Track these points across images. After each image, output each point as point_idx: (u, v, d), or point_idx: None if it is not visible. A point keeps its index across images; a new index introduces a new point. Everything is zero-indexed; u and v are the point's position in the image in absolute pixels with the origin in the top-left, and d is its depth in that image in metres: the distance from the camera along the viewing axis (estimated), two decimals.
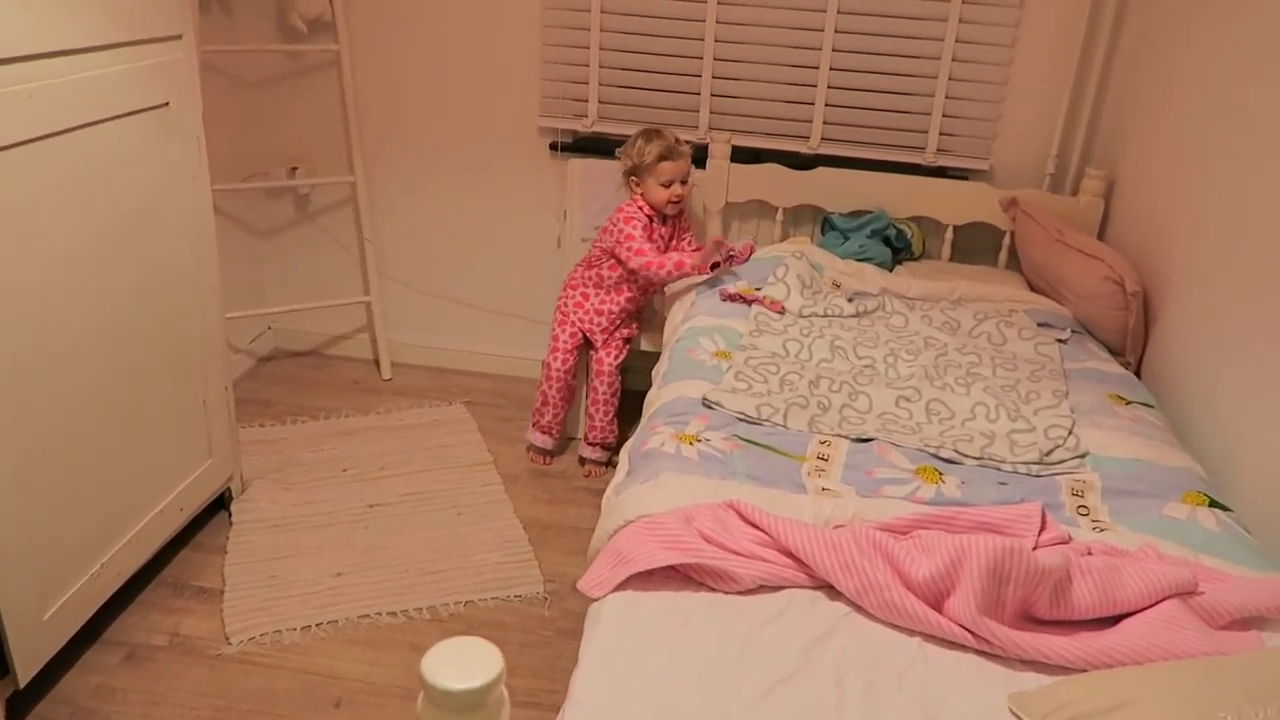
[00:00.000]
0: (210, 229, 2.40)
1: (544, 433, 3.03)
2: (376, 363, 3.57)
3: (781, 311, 2.54)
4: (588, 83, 3.14)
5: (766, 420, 1.98)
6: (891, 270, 2.88)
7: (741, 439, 1.90)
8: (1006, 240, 3.00)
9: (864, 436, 1.94)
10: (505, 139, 3.26)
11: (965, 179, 3.03)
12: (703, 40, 3.03)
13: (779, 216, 3.09)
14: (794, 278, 2.63)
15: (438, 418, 3.26)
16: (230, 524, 2.63)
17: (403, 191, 3.39)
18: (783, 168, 3.01)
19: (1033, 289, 2.80)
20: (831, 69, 3.00)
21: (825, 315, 2.56)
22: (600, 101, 3.15)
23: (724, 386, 2.09)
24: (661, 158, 2.75)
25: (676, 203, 2.81)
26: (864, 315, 2.58)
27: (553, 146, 3.22)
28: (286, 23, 3.13)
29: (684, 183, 2.79)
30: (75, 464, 2.02)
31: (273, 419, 3.19)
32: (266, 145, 3.37)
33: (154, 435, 2.28)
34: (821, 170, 3.00)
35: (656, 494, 1.69)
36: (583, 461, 3.02)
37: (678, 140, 2.79)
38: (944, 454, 1.89)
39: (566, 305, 3.00)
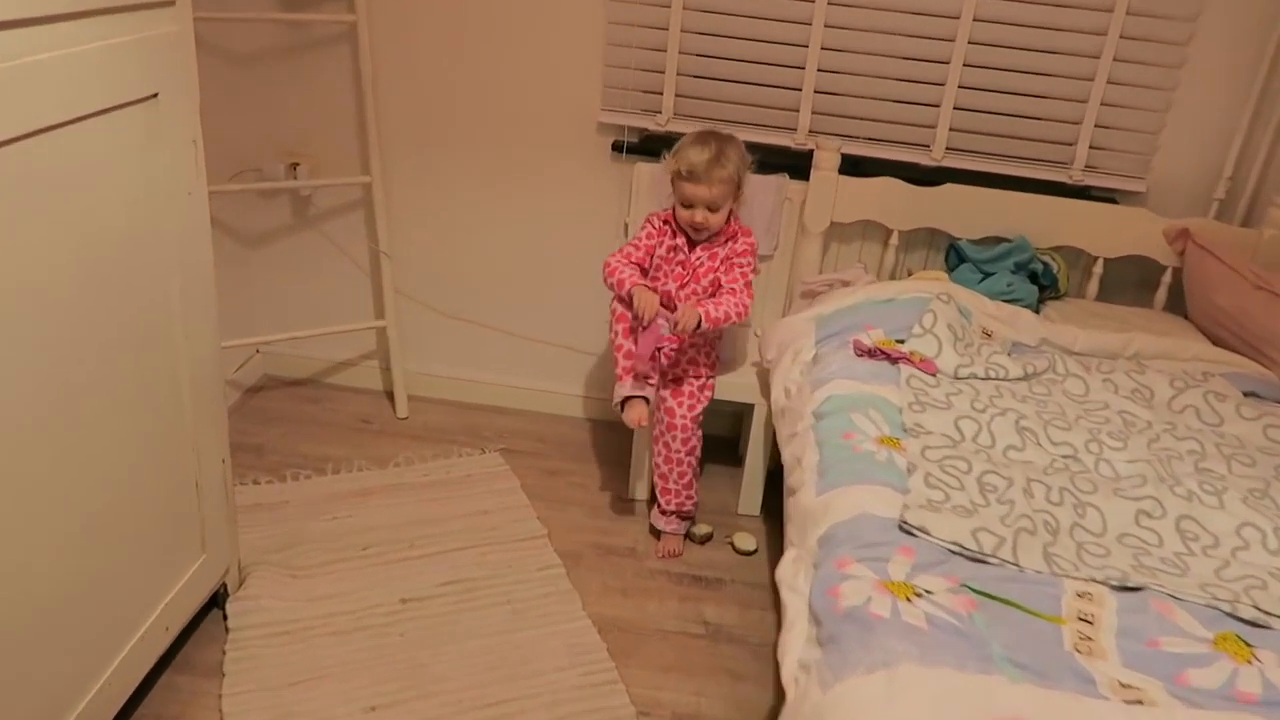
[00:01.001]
0: (208, 266, 1.81)
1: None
2: (390, 396, 2.99)
3: (935, 373, 2.02)
4: (663, 71, 2.57)
5: (991, 555, 1.46)
6: (1038, 313, 2.38)
7: (974, 591, 1.38)
8: (1167, 277, 2.51)
9: (1128, 584, 1.43)
10: (557, 135, 2.69)
11: (1115, 202, 2.54)
12: (809, 24, 2.48)
13: (892, 241, 2.57)
14: (944, 328, 2.11)
15: (470, 471, 2.70)
16: (226, 630, 2.06)
17: (427, 195, 2.81)
18: (902, 182, 2.49)
19: (1214, 341, 2.32)
20: (965, 65, 2.47)
21: (986, 378, 2.05)
22: (678, 95, 2.59)
23: (917, 499, 1.57)
24: (679, 176, 2.24)
25: (697, 229, 2.29)
26: (1033, 378, 2.07)
27: (616, 147, 2.65)
28: None
29: (714, 209, 2.25)
30: (25, 602, 1.44)
31: (268, 472, 2.60)
32: (260, 136, 2.75)
33: (131, 541, 1.70)
34: (950, 187, 2.48)
35: (898, 703, 1.17)
36: (656, 534, 2.49)
37: (721, 152, 2.21)
38: (1243, 612, 1.39)
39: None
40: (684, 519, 2.47)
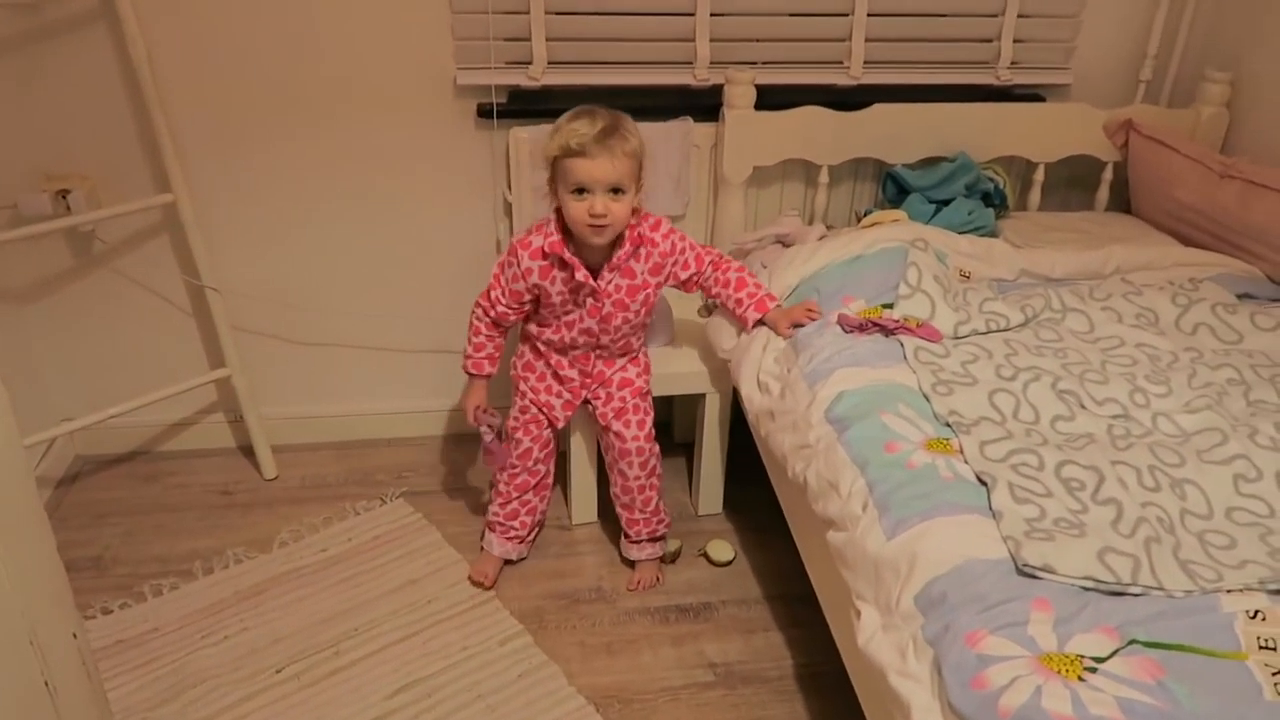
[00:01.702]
0: None
1: (513, 540, 2.11)
2: (249, 453, 2.43)
3: (940, 339, 1.73)
4: (527, 11, 2.09)
5: (1132, 583, 1.20)
6: (995, 236, 2.14)
7: (1145, 645, 1.11)
8: (1108, 174, 2.33)
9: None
10: (405, 104, 2.16)
11: (1043, 99, 2.31)
12: None
13: (821, 179, 2.24)
14: (931, 281, 1.82)
15: (376, 530, 2.23)
16: None
17: (248, 203, 2.22)
18: (827, 110, 2.15)
19: (1178, 238, 2.15)
20: None
21: (988, 331, 1.79)
22: (549, 39, 2.12)
23: (1015, 525, 1.27)
24: (567, 153, 1.71)
25: (598, 225, 1.74)
26: (1034, 321, 1.83)
27: (483, 111, 2.16)
28: None
29: (618, 191, 1.73)
30: None
31: (118, 591, 2.04)
32: (5, 162, 2.07)
33: None
34: (879, 108, 2.17)
35: None
36: (631, 564, 2.13)
37: (618, 121, 1.72)
38: None
39: (517, 372, 2.07)
40: (657, 541, 2.12)
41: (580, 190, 1.73)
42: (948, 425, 1.51)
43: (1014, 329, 1.80)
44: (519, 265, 1.84)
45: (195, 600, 2.02)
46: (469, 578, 2.07)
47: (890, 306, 1.81)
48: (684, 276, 1.90)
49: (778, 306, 1.87)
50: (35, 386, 2.29)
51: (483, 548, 2.13)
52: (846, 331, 1.75)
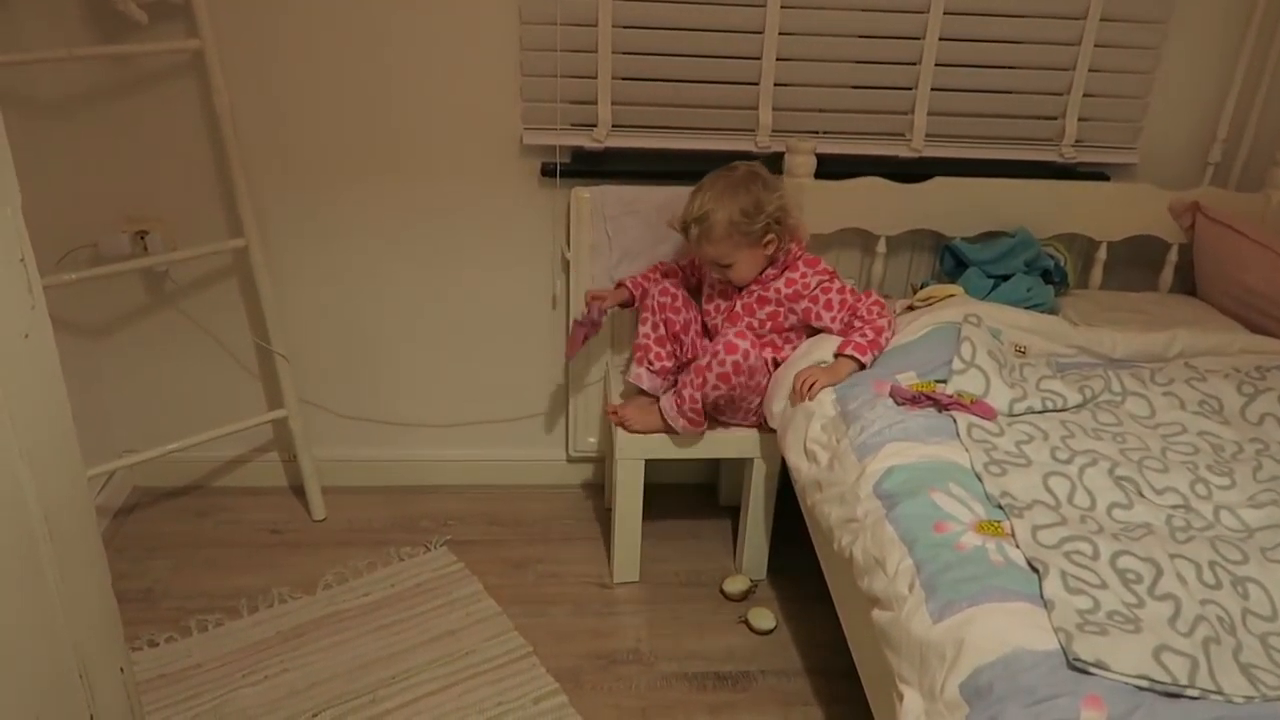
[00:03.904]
0: (56, 383, 1.29)
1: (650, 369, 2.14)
2: (299, 493, 2.47)
3: (994, 417, 1.71)
4: (595, 76, 2.14)
5: (1189, 685, 1.16)
6: (1055, 313, 2.11)
7: None
8: (1173, 256, 2.29)
9: None
10: (472, 163, 2.22)
11: (1107, 178, 2.29)
12: (763, 5, 2.10)
13: (879, 249, 2.24)
14: (985, 356, 1.80)
15: (419, 578, 2.24)
16: None
17: (316, 253, 2.29)
18: (886, 181, 2.16)
19: (1244, 323, 2.10)
20: (940, 38, 2.15)
21: (1044, 410, 1.76)
22: (615, 103, 2.17)
23: (1068, 616, 1.24)
24: (682, 227, 2.01)
25: (724, 281, 2.08)
26: (1092, 402, 1.80)
27: (546, 171, 2.21)
28: (107, 9, 1.95)
29: (726, 265, 1.99)
30: None
31: (165, 625, 2.07)
32: (90, 203, 2.17)
33: None
34: (939, 181, 2.17)
35: None
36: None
37: (706, 207, 1.94)
38: None
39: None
40: (672, 402, 2.05)
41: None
42: (1000, 507, 1.48)
43: (1071, 410, 1.77)
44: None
45: (239, 638, 2.04)
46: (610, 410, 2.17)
47: (944, 382, 1.79)
48: (819, 323, 2.02)
49: (837, 360, 1.92)
50: (100, 419, 2.36)
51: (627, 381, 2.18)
52: (898, 404, 1.73)
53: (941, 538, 1.41)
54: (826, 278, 2.00)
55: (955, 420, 1.68)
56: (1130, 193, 2.22)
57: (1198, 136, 2.30)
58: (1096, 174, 2.29)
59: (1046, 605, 1.27)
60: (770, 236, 1.96)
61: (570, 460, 2.56)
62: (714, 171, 1.98)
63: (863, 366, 1.88)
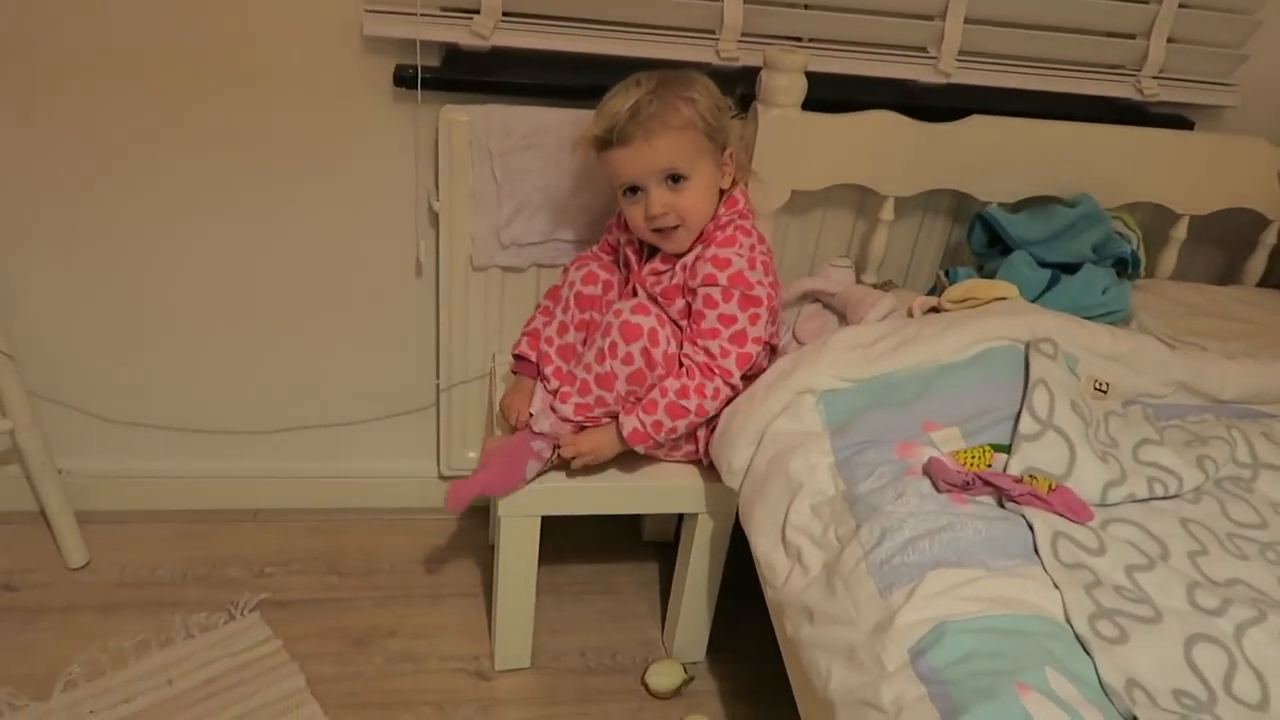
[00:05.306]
0: None
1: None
2: (47, 523, 1.73)
3: (1091, 519, 1.09)
4: None
5: None
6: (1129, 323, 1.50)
7: None
8: (1268, 236, 1.69)
9: None
10: (283, 64, 1.45)
11: (1190, 125, 1.66)
12: None
13: (884, 215, 1.58)
14: (1067, 410, 1.17)
15: (211, 669, 1.53)
16: None
17: (52, 201, 1.50)
18: (905, 118, 1.48)
19: None
20: None
21: (1150, 498, 1.16)
22: None
23: None
24: (604, 144, 1.28)
25: (658, 228, 1.31)
26: (1216, 481, 1.20)
27: (402, 79, 1.46)
28: None
29: (677, 180, 1.28)
30: None
31: None
32: None
33: None
34: (979, 121, 1.50)
35: None
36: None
37: (663, 84, 1.25)
38: None
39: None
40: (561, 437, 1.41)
41: (633, 189, 1.30)
42: (1133, 717, 0.87)
43: (1188, 494, 1.17)
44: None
45: None
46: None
47: (1004, 449, 1.16)
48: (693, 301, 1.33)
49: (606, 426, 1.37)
50: None
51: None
52: (940, 490, 1.10)
53: None
54: (739, 245, 1.29)
55: (1031, 525, 1.06)
56: (1234, 148, 1.59)
57: None
58: (1176, 118, 1.66)
59: None
60: (729, 154, 1.32)
61: (443, 478, 1.88)
62: (635, 75, 1.28)
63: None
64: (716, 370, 1.30)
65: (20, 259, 1.55)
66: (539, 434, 1.38)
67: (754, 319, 1.29)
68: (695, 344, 1.31)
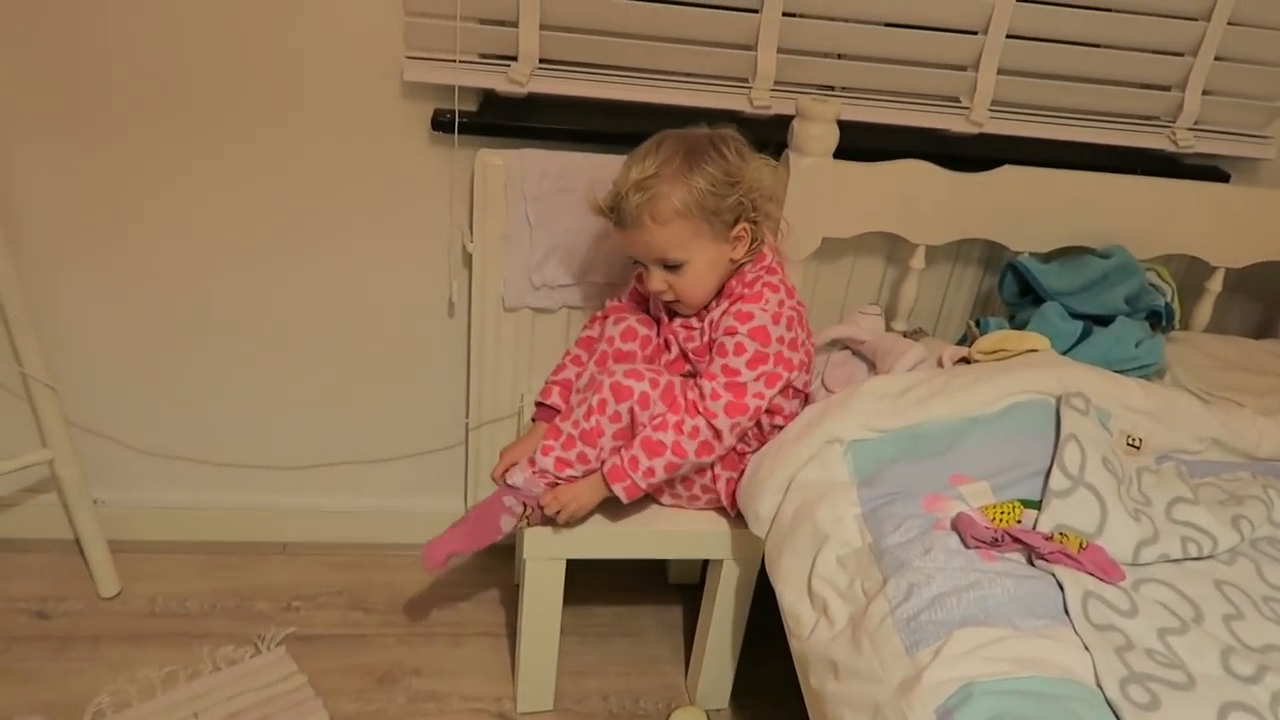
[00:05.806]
0: None
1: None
2: (80, 552, 1.76)
3: (1123, 579, 1.08)
4: None
5: None
6: (1164, 375, 1.48)
7: None
8: None
9: None
10: (326, 104, 1.49)
11: (1226, 177, 1.65)
12: None
13: (915, 264, 1.58)
14: (1098, 467, 1.16)
15: (235, 703, 1.55)
16: None
17: (95, 238, 1.55)
18: (937, 168, 1.49)
19: None
20: None
21: (1184, 558, 1.14)
22: (544, 27, 1.45)
23: None
24: (604, 214, 1.32)
25: (668, 302, 1.36)
26: (1251, 543, 1.18)
27: (439, 123, 1.49)
28: None
29: (672, 267, 1.30)
30: None
31: None
32: None
33: None
34: (1010, 172, 1.51)
35: None
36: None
37: (647, 181, 1.25)
38: None
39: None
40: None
41: (638, 261, 1.34)
42: None
43: (1222, 555, 1.15)
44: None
45: None
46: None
47: (1034, 505, 1.15)
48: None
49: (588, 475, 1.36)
50: None
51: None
52: (968, 546, 1.09)
53: None
54: (764, 301, 1.29)
55: (1062, 585, 1.04)
56: (1271, 201, 1.58)
57: None
58: (1211, 170, 1.66)
59: None
60: (743, 228, 1.30)
61: None
62: (665, 131, 1.30)
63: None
64: (701, 410, 1.29)
65: (64, 293, 1.59)
66: (511, 488, 1.38)
67: (763, 379, 1.29)
68: (694, 382, 1.32)
